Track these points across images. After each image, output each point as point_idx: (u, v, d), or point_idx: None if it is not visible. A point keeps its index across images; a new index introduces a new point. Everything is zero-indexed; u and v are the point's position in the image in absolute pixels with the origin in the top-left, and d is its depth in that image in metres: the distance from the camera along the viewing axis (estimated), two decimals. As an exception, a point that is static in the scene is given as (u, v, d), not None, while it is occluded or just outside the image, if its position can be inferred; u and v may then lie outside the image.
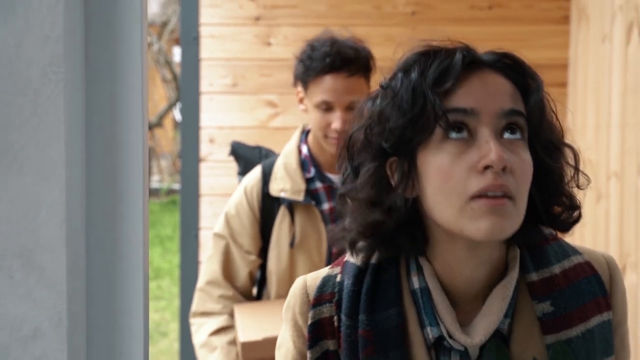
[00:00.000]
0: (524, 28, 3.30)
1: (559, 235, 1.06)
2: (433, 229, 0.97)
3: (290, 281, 2.03)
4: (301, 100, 2.13)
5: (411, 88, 0.93)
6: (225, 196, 3.37)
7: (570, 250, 1.03)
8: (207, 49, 3.34)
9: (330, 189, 2.10)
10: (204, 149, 3.37)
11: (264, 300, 2.20)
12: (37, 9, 0.73)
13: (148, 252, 0.81)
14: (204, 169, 3.36)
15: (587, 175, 1.02)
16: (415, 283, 0.99)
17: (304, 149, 2.15)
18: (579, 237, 2.92)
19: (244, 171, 2.36)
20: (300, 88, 2.12)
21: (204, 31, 3.34)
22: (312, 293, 1.03)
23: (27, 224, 0.75)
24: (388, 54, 2.88)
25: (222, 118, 3.37)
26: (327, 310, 1.01)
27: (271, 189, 2.08)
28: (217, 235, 2.14)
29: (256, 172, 2.15)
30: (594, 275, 1.01)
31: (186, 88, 3.37)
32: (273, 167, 2.13)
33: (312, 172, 2.10)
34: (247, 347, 1.91)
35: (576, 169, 1.01)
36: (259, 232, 2.12)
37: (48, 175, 0.74)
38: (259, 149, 2.35)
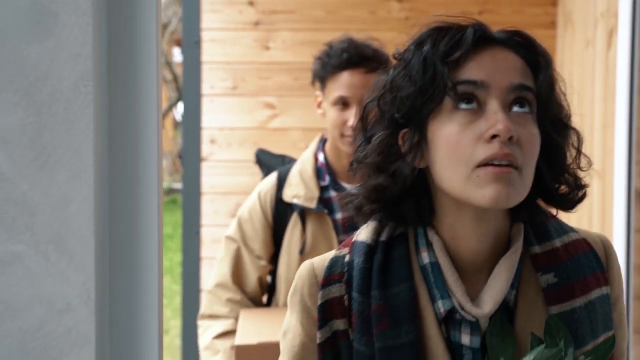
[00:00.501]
0: None
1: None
2: (441, 199, 0.99)
3: None
4: (319, 105, 2.12)
5: (422, 58, 0.95)
6: (225, 195, 3.48)
7: (567, 228, 1.06)
8: (208, 52, 3.43)
9: None
10: (205, 149, 3.48)
11: (271, 307, 2.18)
12: (70, 31, 0.86)
13: (162, 238, 0.93)
14: (205, 168, 3.46)
15: (588, 158, 1.04)
16: (425, 258, 1.00)
17: (321, 157, 2.12)
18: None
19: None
20: (318, 91, 2.11)
21: (205, 35, 3.44)
22: (320, 274, 1.03)
23: (60, 214, 0.87)
24: (382, 57, 2.92)
25: (223, 119, 3.47)
26: (336, 289, 1.02)
27: (284, 195, 2.07)
28: (229, 238, 2.14)
29: (271, 178, 2.15)
30: (591, 251, 1.04)
31: (188, 90, 3.48)
32: (289, 173, 2.12)
33: (327, 180, 2.08)
34: (241, 350, 1.87)
35: (579, 150, 1.03)
36: (270, 237, 2.11)
37: (79, 173, 0.87)
38: (282, 157, 2.31)
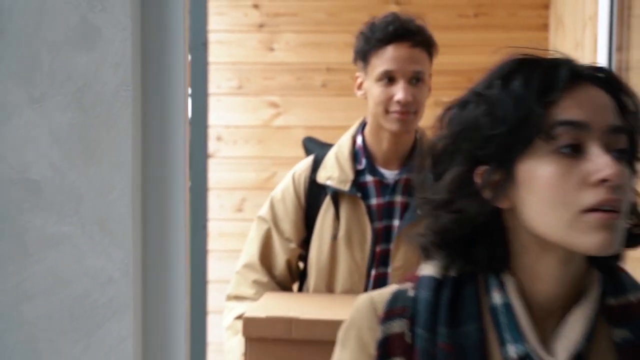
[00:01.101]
0: (507, 35, 3.52)
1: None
2: (523, 239, 0.94)
3: (329, 276, 2.00)
4: (360, 86, 2.02)
5: (513, 97, 0.90)
6: (231, 190, 3.61)
7: (637, 283, 1.00)
8: (215, 54, 3.52)
9: (380, 183, 1.99)
10: (212, 146, 3.60)
11: (297, 293, 2.10)
12: (111, 44, 1.01)
13: (188, 221, 1.08)
14: (212, 164, 3.54)
15: None
16: (497, 298, 0.94)
17: (359, 140, 2.03)
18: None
19: None
20: (360, 70, 2.01)
21: (211, 37, 3.56)
22: (380, 308, 0.97)
23: (103, 200, 1.02)
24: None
25: (229, 117, 3.59)
26: (398, 325, 0.96)
27: (318, 176, 1.99)
28: (260, 219, 2.07)
29: (307, 160, 2.07)
30: None
31: (195, 90, 3.61)
32: (325, 155, 2.05)
33: (364, 163, 1.99)
34: (248, 323, 1.77)
35: None
36: (302, 220, 2.04)
37: (118, 165, 1.02)
38: (330, 146, 2.17)
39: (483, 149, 0.91)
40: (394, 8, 3.57)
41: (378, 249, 1.95)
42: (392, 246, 1.95)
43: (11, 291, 1.02)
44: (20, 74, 1.01)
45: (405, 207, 1.96)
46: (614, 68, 2.12)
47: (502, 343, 0.92)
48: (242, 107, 3.56)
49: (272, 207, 2.02)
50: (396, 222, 1.96)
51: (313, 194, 1.99)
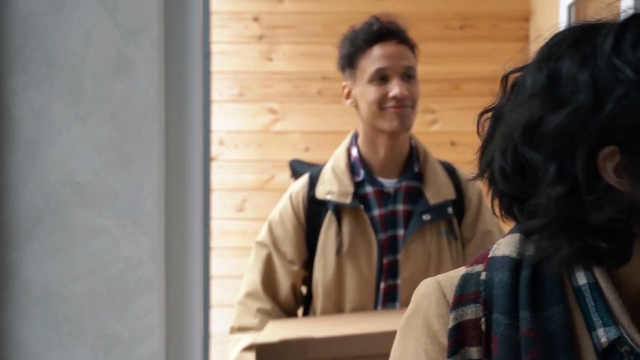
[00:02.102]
0: (490, 45, 3.72)
1: None
2: None
3: (337, 293, 1.89)
4: (348, 95, 1.93)
5: None
6: (232, 191, 3.82)
7: None
8: (217, 63, 3.68)
9: (381, 193, 1.92)
10: (215, 149, 3.78)
11: (304, 317, 1.99)
12: (142, 73, 1.25)
13: (206, 216, 1.32)
14: (215, 167, 3.70)
15: None
16: (581, 279, 0.84)
17: (354, 151, 1.96)
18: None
19: None
20: (347, 78, 1.93)
21: (214, 48, 3.75)
22: (450, 293, 0.87)
23: (135, 199, 1.27)
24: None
25: (230, 123, 3.76)
26: (471, 311, 0.86)
27: (317, 192, 1.91)
28: (259, 244, 1.96)
29: (303, 178, 2.00)
30: None
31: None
32: (321, 171, 1.97)
33: (362, 174, 1.92)
34: (262, 350, 1.63)
35: None
36: (303, 240, 1.93)
37: (147, 171, 1.26)
38: (318, 166, 2.06)
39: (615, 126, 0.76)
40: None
41: (385, 260, 1.89)
42: (400, 257, 1.89)
43: (61, 272, 1.27)
44: (68, 96, 1.25)
45: (408, 216, 1.91)
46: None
47: (591, 327, 0.84)
48: (243, 113, 3.71)
49: (270, 231, 1.93)
50: (401, 232, 1.91)
51: (313, 212, 1.91)
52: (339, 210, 1.89)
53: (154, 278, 1.27)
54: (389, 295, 1.89)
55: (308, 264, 1.92)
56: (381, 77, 1.83)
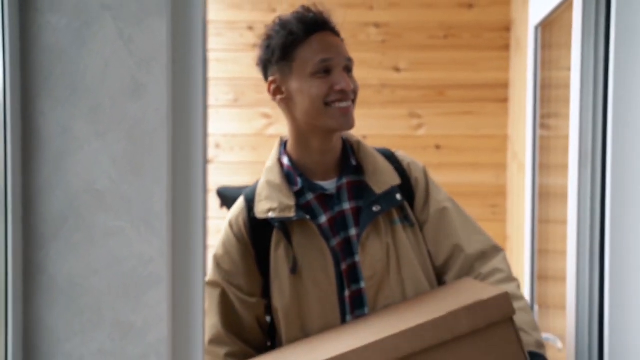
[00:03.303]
0: (473, 54, 3.91)
1: None
2: None
3: (299, 316, 1.72)
4: (277, 91, 1.76)
5: None
6: None
7: None
8: (213, 70, 3.88)
9: (323, 197, 1.78)
10: (211, 152, 3.95)
11: (276, 351, 1.77)
12: (153, 95, 1.44)
13: (206, 220, 1.52)
14: (211, 169, 3.91)
15: None
16: None
17: (285, 160, 1.81)
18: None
19: None
20: (275, 74, 1.74)
21: (211, 56, 3.94)
22: None
23: (146, 204, 1.46)
24: (363, 75, 3.58)
25: (226, 127, 3.94)
26: None
27: (257, 212, 1.74)
28: (210, 284, 1.79)
29: (239, 201, 1.83)
30: None
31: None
32: (256, 189, 1.81)
33: (300, 182, 1.78)
34: None
35: None
36: (255, 267, 1.77)
37: (157, 179, 1.46)
38: (251, 186, 1.92)
39: None
40: (373, 30, 3.97)
41: (344, 266, 1.75)
42: (357, 258, 1.76)
43: (82, 268, 1.46)
44: (89, 116, 1.45)
45: (357, 212, 1.77)
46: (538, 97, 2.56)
47: None
48: (238, 118, 3.89)
49: (218, 267, 1.78)
50: (353, 231, 1.77)
51: (258, 234, 1.74)
52: (285, 226, 1.72)
53: (162, 273, 1.46)
54: (356, 302, 1.75)
55: (266, 290, 1.77)
56: (325, 69, 1.68)
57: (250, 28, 3.92)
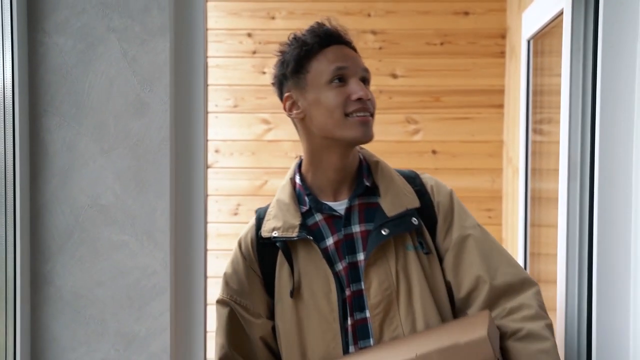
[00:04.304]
0: (469, 60, 3.94)
1: None
2: None
3: (299, 343, 1.66)
4: (292, 106, 1.66)
5: None
6: (227, 196, 4.03)
7: None
8: (213, 76, 3.89)
9: (332, 219, 1.67)
10: (211, 157, 3.97)
11: None
12: (156, 113, 1.49)
13: (206, 233, 1.56)
14: (211, 173, 3.92)
15: None
16: None
17: (297, 179, 1.73)
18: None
19: None
20: (291, 89, 1.65)
21: (210, 62, 3.92)
22: None
23: (150, 218, 1.51)
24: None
25: (225, 132, 3.95)
26: None
27: (263, 231, 1.68)
28: (219, 303, 1.73)
29: (251, 220, 1.77)
30: None
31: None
32: (268, 208, 1.75)
33: (308, 202, 1.69)
34: None
35: None
36: (261, 287, 1.71)
37: (160, 195, 1.51)
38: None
39: None
40: (370, 37, 4.00)
41: (348, 292, 1.64)
42: (363, 284, 1.62)
43: (88, 279, 1.51)
44: (94, 133, 1.50)
45: (367, 236, 1.64)
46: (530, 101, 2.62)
47: None
48: (238, 123, 3.90)
49: (227, 286, 1.73)
50: (361, 256, 1.65)
51: (265, 254, 1.69)
52: (287, 247, 1.65)
53: (165, 285, 1.51)
54: (360, 332, 1.63)
55: (274, 312, 1.70)
56: (340, 78, 1.60)
57: (250, 35, 3.96)
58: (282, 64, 1.70)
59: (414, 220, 1.64)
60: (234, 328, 1.70)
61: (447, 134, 3.91)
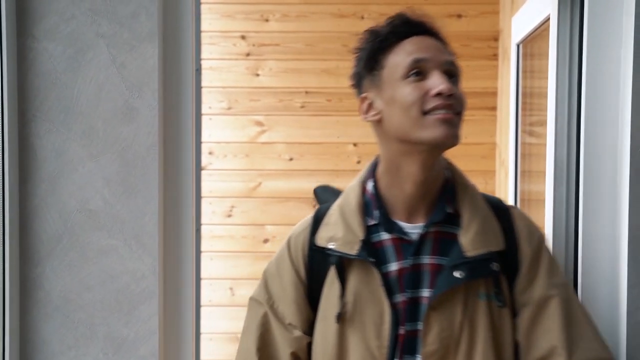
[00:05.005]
0: (462, 62, 3.94)
1: None
2: None
3: None
4: (369, 108, 1.43)
5: None
6: (221, 198, 4.03)
7: None
8: (207, 78, 3.88)
9: (400, 242, 1.42)
10: (205, 159, 3.97)
11: None
12: (145, 119, 1.50)
13: (197, 221, 1.57)
14: (205, 175, 3.92)
15: None
16: None
17: (369, 186, 1.47)
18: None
19: None
20: (368, 89, 1.41)
21: (204, 64, 3.93)
22: None
23: (138, 222, 1.52)
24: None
25: (219, 134, 3.95)
26: None
27: (318, 238, 1.45)
28: (253, 301, 1.51)
29: (307, 218, 1.53)
30: None
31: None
32: (329, 209, 1.51)
33: (377, 217, 1.44)
34: None
35: None
36: (305, 298, 1.48)
37: (149, 200, 1.52)
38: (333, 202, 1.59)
39: None
40: (364, 39, 4.02)
41: (401, 331, 1.40)
42: (421, 326, 1.39)
43: (77, 284, 1.52)
44: (83, 138, 1.51)
45: (437, 271, 1.40)
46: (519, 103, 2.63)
47: None
48: (231, 125, 3.90)
49: (266, 286, 1.51)
50: (425, 293, 1.41)
51: (315, 263, 1.47)
52: (342, 263, 1.43)
53: (154, 289, 1.52)
54: None
55: (313, 327, 1.48)
56: (418, 71, 1.37)
57: (244, 37, 3.97)
58: (358, 61, 1.47)
59: (494, 266, 1.40)
60: (263, 334, 1.48)
61: (440, 136, 3.92)
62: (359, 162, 3.93)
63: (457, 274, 1.37)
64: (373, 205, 1.44)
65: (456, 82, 1.41)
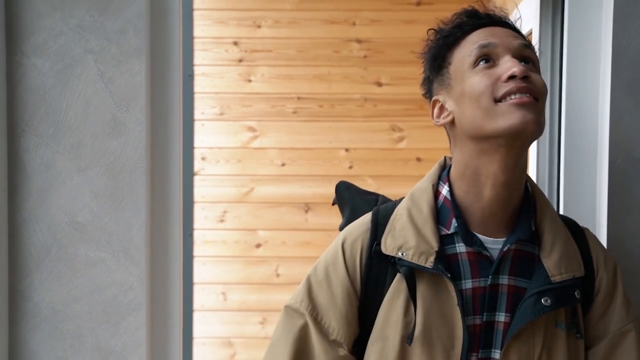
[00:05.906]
0: None
1: None
2: None
3: None
4: (440, 111, 1.28)
5: None
6: (214, 203, 4.05)
7: None
8: (200, 84, 3.90)
9: (479, 257, 1.26)
10: (197, 165, 3.97)
11: None
12: (132, 133, 1.53)
13: (189, 226, 1.60)
14: (197, 181, 3.92)
15: None
16: None
17: (444, 190, 1.30)
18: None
19: (347, 224, 1.41)
20: (438, 92, 1.27)
21: (197, 70, 3.93)
22: None
23: (126, 235, 1.54)
24: (345, 89, 3.63)
25: (212, 140, 3.95)
26: None
27: (386, 246, 1.27)
28: (291, 310, 1.32)
29: (364, 220, 1.35)
30: None
31: (182, 116, 4.05)
32: (393, 212, 1.32)
33: (453, 226, 1.27)
34: None
35: None
36: (356, 312, 1.30)
37: (136, 212, 1.54)
38: (375, 196, 1.49)
39: None
40: (355, 46, 4.03)
41: (473, 358, 1.25)
42: (498, 354, 1.24)
43: (65, 296, 1.54)
44: (72, 152, 1.53)
45: (515, 295, 1.26)
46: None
47: None
48: (224, 130, 3.91)
49: (309, 293, 1.31)
50: (502, 317, 1.26)
51: (374, 273, 1.29)
52: (413, 275, 1.25)
53: (141, 300, 1.55)
54: None
55: (358, 345, 1.30)
56: (487, 58, 1.22)
57: (236, 43, 3.98)
58: (425, 63, 1.34)
59: (577, 294, 1.26)
60: (300, 349, 1.29)
61: (432, 141, 3.94)
62: (350, 167, 3.95)
63: (544, 302, 1.22)
64: (449, 213, 1.28)
65: (532, 67, 1.24)
